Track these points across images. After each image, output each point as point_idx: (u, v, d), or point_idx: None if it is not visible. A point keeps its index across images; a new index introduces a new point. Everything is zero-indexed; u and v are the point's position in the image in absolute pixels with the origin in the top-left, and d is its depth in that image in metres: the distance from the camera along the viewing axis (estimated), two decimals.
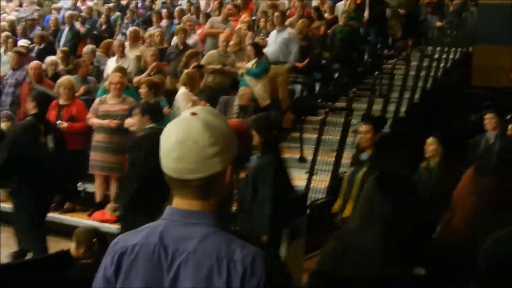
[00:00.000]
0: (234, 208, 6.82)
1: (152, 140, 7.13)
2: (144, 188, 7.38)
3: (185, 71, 11.00)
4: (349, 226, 3.21)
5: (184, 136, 2.23)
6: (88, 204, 10.35)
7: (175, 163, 2.24)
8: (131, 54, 13.21)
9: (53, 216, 9.52)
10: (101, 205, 10.02)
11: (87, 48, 13.71)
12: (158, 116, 8.14)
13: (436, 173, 7.62)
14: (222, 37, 13.14)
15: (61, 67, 12.51)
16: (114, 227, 8.78)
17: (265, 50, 12.95)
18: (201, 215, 2.27)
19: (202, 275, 2.18)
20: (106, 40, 14.75)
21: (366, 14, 16.53)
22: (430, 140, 7.85)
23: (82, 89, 11.59)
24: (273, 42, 12.88)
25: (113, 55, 13.35)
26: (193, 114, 2.29)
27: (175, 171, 2.25)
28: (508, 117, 10.15)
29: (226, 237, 2.25)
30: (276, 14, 13.28)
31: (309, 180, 10.18)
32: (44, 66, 12.16)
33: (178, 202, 2.31)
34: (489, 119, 9.57)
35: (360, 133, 7.65)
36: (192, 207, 2.28)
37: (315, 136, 10.93)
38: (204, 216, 2.27)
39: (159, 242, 2.25)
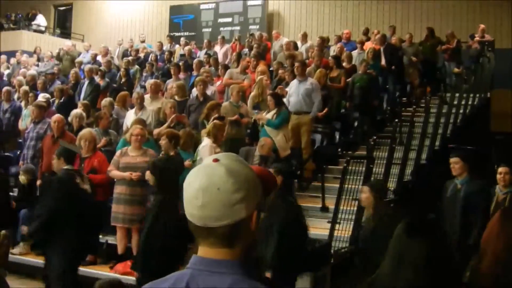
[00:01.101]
0: None
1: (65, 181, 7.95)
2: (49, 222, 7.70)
3: (213, 121, 11.00)
4: (381, 272, 3.16)
5: (207, 183, 2.18)
6: (110, 257, 10.32)
7: (199, 210, 2.18)
8: (152, 106, 13.30)
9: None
10: (122, 258, 9.98)
11: (105, 101, 13.78)
12: (72, 158, 8.36)
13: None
14: (235, 88, 13.22)
15: (85, 120, 12.57)
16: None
17: (288, 100, 13.00)
18: (228, 263, 2.20)
19: None
20: (122, 93, 14.84)
21: (383, 62, 16.61)
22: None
23: (103, 141, 11.63)
24: (295, 92, 12.88)
25: (131, 108, 13.44)
26: (216, 160, 2.25)
27: (199, 218, 2.19)
28: None
29: (253, 285, 2.18)
30: (296, 64, 13.30)
31: (332, 229, 10.10)
32: (69, 119, 12.25)
33: (203, 251, 2.25)
34: (453, 164, 9.14)
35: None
36: (218, 255, 2.22)
37: (336, 185, 10.87)
38: (230, 265, 2.20)
39: None
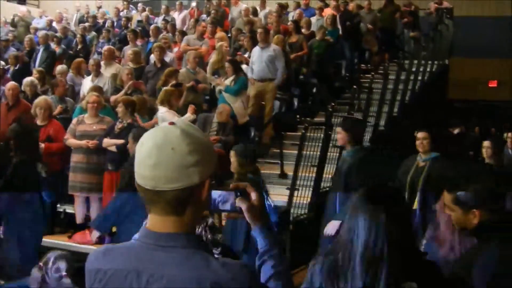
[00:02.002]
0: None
1: None
2: None
3: (163, 88, 10.91)
4: (339, 239, 3.14)
5: (162, 141, 2.11)
6: (68, 226, 10.21)
7: (151, 170, 2.10)
8: (107, 73, 13.12)
9: None
10: (81, 227, 9.88)
11: (61, 68, 13.59)
12: None
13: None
14: (191, 54, 13.11)
15: (39, 88, 12.35)
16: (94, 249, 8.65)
17: (251, 68, 12.94)
18: (177, 237, 2.14)
19: None
20: (76, 60, 14.60)
21: (340, 29, 16.58)
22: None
23: (59, 109, 11.39)
24: (258, 59, 12.78)
25: (87, 75, 13.28)
26: (172, 123, 2.18)
27: (151, 179, 2.11)
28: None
29: (205, 258, 2.12)
30: (260, 30, 13.17)
31: (290, 196, 10.11)
32: (22, 87, 12.01)
33: (152, 220, 2.18)
34: (421, 140, 8.14)
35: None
36: (166, 225, 2.15)
37: (295, 152, 10.87)
38: (180, 238, 2.14)
39: (133, 268, 2.13)
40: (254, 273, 2.20)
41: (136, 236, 2.22)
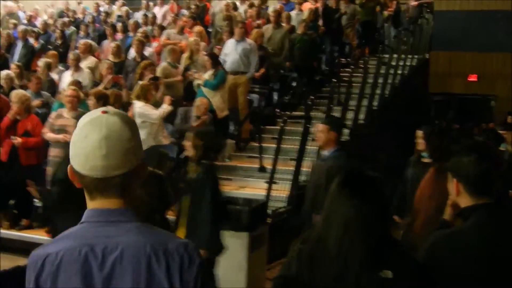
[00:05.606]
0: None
1: None
2: None
3: (139, 83, 10.86)
4: (315, 228, 3.13)
5: (108, 131, 2.16)
6: (46, 221, 10.15)
7: (103, 160, 2.15)
8: (82, 66, 13.06)
9: (10, 233, 9.36)
10: None
11: (40, 62, 13.55)
12: None
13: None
14: (168, 48, 13.17)
15: (16, 82, 12.28)
16: None
17: (224, 60, 12.94)
18: (122, 211, 2.21)
19: (143, 266, 2.13)
20: (50, 52, 14.55)
21: (321, 23, 16.57)
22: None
23: (37, 102, 11.36)
24: (233, 52, 12.80)
25: (66, 69, 13.25)
26: (105, 112, 2.23)
27: (102, 169, 2.16)
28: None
29: (153, 229, 2.24)
30: (240, 25, 13.24)
31: (269, 190, 10.12)
32: None
33: (96, 204, 2.23)
34: (419, 139, 7.34)
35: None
36: (113, 205, 2.21)
37: (274, 145, 10.88)
38: (125, 213, 2.21)
39: (85, 244, 2.14)
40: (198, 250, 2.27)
41: (81, 220, 2.25)
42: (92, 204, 2.23)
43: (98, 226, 2.18)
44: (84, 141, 2.18)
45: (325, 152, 7.33)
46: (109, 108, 2.26)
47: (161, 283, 2.13)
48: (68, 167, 2.25)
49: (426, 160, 6.89)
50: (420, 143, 7.14)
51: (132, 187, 2.26)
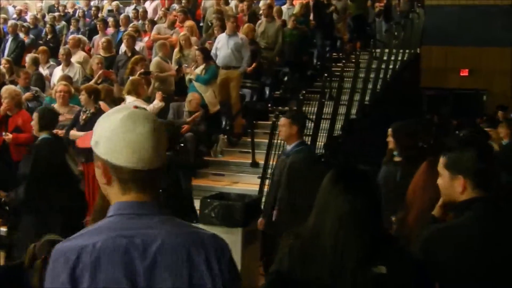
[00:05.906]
0: None
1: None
2: None
3: (130, 78, 10.80)
4: (307, 223, 3.11)
5: (152, 124, 2.24)
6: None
7: (151, 152, 2.22)
8: (72, 60, 13.01)
9: None
10: None
11: (28, 57, 13.50)
12: None
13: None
14: (159, 43, 13.16)
15: (6, 77, 12.22)
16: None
17: (216, 54, 12.90)
18: (154, 204, 2.27)
19: (184, 257, 2.19)
20: (41, 47, 14.50)
21: (312, 17, 16.54)
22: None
23: (28, 94, 11.31)
24: (224, 47, 12.75)
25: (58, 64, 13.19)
26: (136, 107, 2.31)
27: (149, 160, 2.23)
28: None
29: (183, 222, 2.31)
30: (232, 19, 13.19)
31: (261, 185, 10.10)
32: None
33: (130, 197, 2.26)
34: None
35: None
36: (145, 198, 2.27)
37: (266, 140, 10.86)
38: (157, 205, 2.28)
39: (123, 235, 2.16)
40: None
41: (110, 213, 2.27)
42: (124, 197, 2.26)
43: (133, 218, 2.22)
44: (130, 134, 2.21)
45: (288, 147, 7.43)
46: (138, 105, 2.33)
47: (202, 273, 2.20)
48: (97, 163, 2.29)
49: (397, 158, 6.80)
50: (390, 142, 6.97)
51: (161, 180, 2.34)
